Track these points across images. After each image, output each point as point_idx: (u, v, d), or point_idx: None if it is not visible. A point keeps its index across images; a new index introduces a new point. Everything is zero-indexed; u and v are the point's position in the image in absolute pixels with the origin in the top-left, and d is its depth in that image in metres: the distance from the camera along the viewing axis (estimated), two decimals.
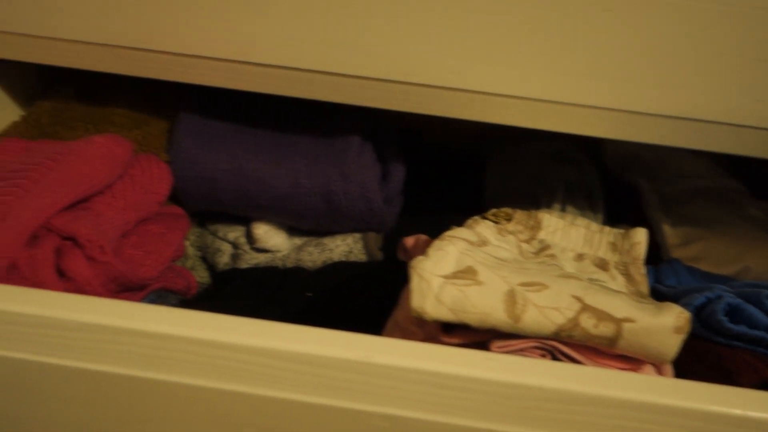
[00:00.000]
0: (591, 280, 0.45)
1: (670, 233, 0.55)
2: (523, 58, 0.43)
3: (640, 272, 0.45)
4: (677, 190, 0.62)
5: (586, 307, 0.33)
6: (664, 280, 0.47)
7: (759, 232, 0.55)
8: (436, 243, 0.36)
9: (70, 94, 0.54)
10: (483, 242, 0.40)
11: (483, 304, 0.33)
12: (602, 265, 0.46)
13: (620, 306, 0.34)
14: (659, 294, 0.45)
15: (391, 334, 0.40)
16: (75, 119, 0.52)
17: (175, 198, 0.52)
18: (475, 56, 0.44)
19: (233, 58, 0.46)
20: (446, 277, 0.34)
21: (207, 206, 0.53)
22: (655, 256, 0.56)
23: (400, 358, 0.28)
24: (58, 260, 0.33)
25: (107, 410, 0.32)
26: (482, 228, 0.44)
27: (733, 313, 0.36)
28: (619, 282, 0.45)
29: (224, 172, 0.51)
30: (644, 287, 0.44)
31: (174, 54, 0.47)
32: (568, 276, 0.37)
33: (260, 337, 0.27)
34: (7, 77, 0.54)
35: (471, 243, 0.38)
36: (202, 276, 0.55)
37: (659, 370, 0.35)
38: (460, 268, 0.35)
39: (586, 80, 0.44)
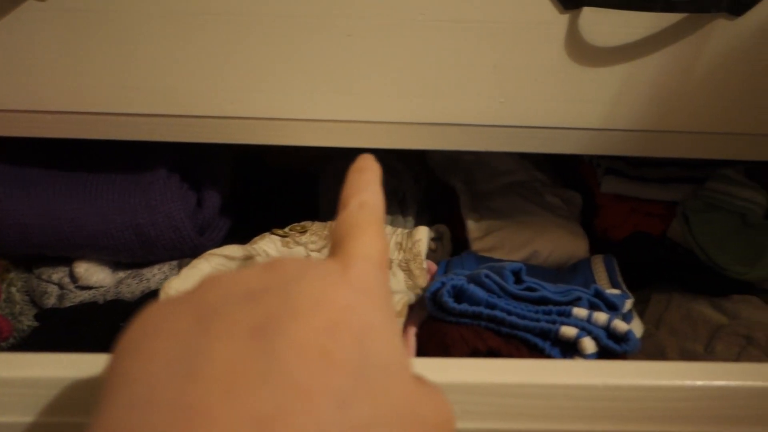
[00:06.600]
0: None
1: (473, 228, 0.60)
2: (293, 82, 0.47)
3: (420, 267, 0.49)
4: (490, 187, 0.66)
5: None
6: (452, 270, 0.51)
7: (550, 217, 0.60)
8: (193, 261, 0.39)
9: None
10: (251, 256, 0.43)
11: None
12: None
13: None
14: None
15: None
16: None
17: None
18: (247, 85, 0.47)
19: (24, 109, 0.48)
20: None
21: (22, 251, 0.54)
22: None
23: None
24: None
25: None
26: (264, 243, 0.48)
27: (460, 293, 0.40)
28: (399, 278, 0.48)
29: (36, 216, 0.52)
30: (422, 281, 0.48)
31: None
32: None
33: None
34: None
35: (232, 258, 0.41)
36: (31, 321, 0.56)
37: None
38: None
39: (360, 99, 0.48)
